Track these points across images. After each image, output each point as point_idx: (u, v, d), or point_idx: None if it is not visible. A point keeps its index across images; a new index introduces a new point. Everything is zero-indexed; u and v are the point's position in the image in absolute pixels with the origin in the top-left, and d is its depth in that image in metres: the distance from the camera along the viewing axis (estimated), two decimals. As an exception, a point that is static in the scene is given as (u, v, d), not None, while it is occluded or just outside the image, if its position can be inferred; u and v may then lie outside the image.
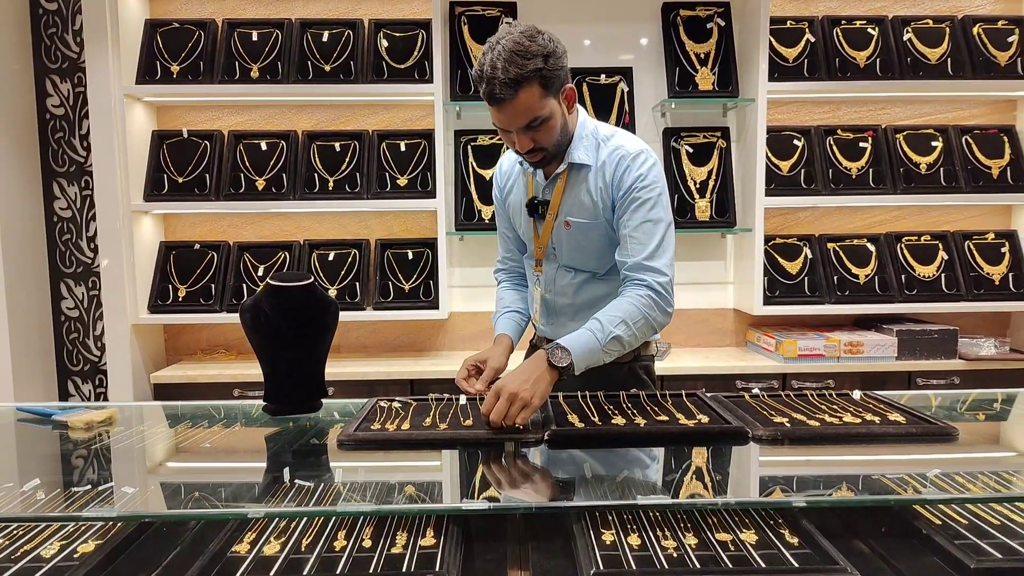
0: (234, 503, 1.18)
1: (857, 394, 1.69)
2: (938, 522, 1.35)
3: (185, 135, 3.09)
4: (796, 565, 1.19)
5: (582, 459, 1.41)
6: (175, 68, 3.00)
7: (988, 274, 3.03)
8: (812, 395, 1.71)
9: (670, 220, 1.71)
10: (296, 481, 1.23)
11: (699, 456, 1.40)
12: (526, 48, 1.52)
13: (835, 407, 1.60)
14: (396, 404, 1.68)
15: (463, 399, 1.71)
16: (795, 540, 1.29)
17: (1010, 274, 3.03)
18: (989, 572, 1.17)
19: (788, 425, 1.46)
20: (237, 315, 1.71)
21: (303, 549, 1.24)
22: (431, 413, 1.60)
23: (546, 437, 1.43)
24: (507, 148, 1.79)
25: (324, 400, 1.73)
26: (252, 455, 1.52)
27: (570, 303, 1.85)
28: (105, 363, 3.04)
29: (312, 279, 1.72)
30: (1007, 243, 3.09)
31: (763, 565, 1.19)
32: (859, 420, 1.49)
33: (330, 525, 1.31)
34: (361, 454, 1.42)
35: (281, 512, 1.12)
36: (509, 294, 2.02)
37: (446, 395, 1.73)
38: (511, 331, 1.90)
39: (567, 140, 1.71)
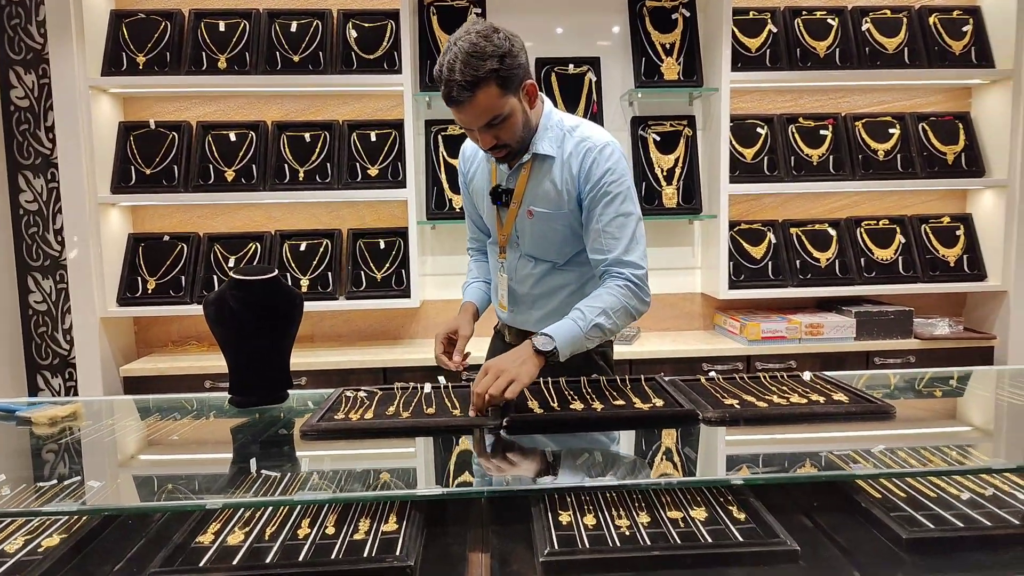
0: (199, 495, 1.21)
1: (807, 375, 1.76)
2: (878, 496, 1.42)
3: (152, 126, 3.07)
4: (741, 539, 1.25)
5: (540, 444, 1.46)
6: (141, 59, 2.98)
7: (944, 257, 3.12)
8: (765, 377, 1.77)
9: (639, 213, 1.76)
10: (262, 472, 1.25)
11: (652, 438, 1.46)
12: (481, 49, 1.55)
13: (784, 388, 1.66)
14: (362, 393, 1.72)
15: (427, 387, 1.74)
16: (742, 516, 1.35)
17: (965, 256, 3.13)
18: (920, 542, 1.24)
19: (737, 406, 1.52)
20: (205, 308, 1.72)
21: (267, 538, 1.27)
22: (395, 402, 1.64)
23: (505, 423, 1.47)
24: None
25: (293, 391, 1.75)
26: (219, 447, 1.55)
27: (529, 292, 1.89)
28: (74, 357, 3.04)
29: (276, 272, 1.73)
30: (962, 226, 3.18)
31: (710, 540, 1.25)
32: (805, 401, 1.55)
33: (294, 514, 1.34)
34: (326, 443, 1.46)
35: (239, 503, 1.15)
36: (479, 265, 2.08)
37: (411, 384, 1.76)
38: (477, 300, 1.96)
39: (530, 134, 1.73)
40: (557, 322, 1.64)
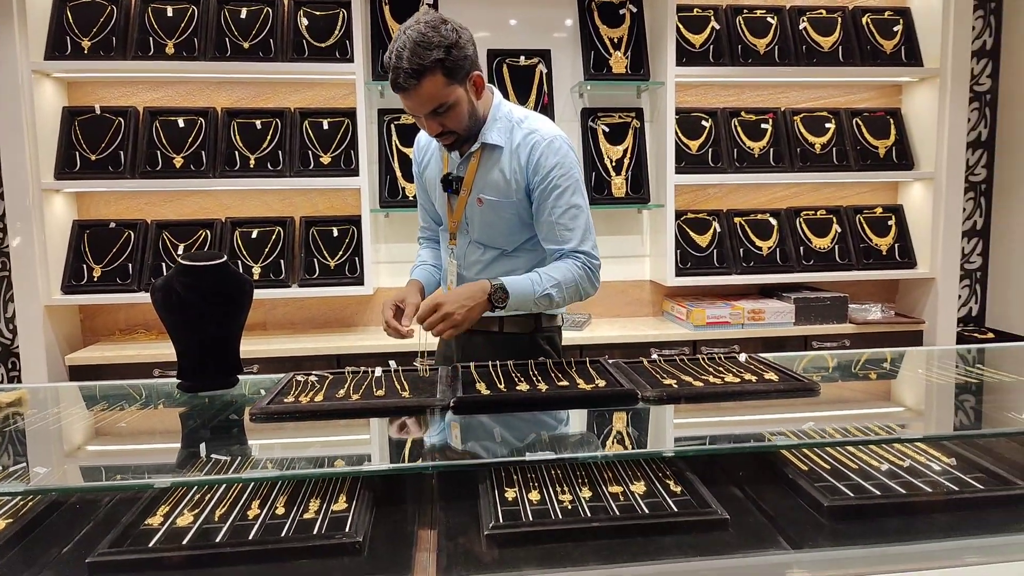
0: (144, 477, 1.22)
1: (743, 357, 1.85)
2: (804, 468, 1.51)
3: (98, 111, 3.00)
4: (675, 510, 1.32)
5: (486, 423, 1.51)
6: (86, 43, 2.91)
7: (877, 245, 3.28)
8: (704, 359, 1.85)
9: (586, 203, 1.83)
10: (212, 456, 1.26)
11: (593, 417, 1.52)
12: (428, 39, 1.59)
13: (721, 369, 1.75)
14: (312, 377, 1.74)
15: (378, 371, 1.77)
16: (678, 489, 1.42)
17: (896, 245, 3.29)
18: (840, 508, 1.33)
19: (675, 386, 1.60)
20: (154, 294, 1.72)
21: (216, 519, 1.28)
22: (346, 385, 1.67)
23: (452, 404, 1.52)
24: None
25: (244, 376, 1.76)
26: (168, 432, 1.56)
27: (477, 278, 1.93)
28: (17, 346, 2.97)
29: (224, 258, 1.73)
30: (893, 217, 3.34)
31: (646, 511, 1.32)
32: (738, 380, 1.63)
33: (245, 495, 1.36)
34: (276, 427, 1.48)
35: (188, 481, 1.17)
36: (427, 251, 2.12)
37: (362, 368, 1.79)
38: (423, 279, 2.01)
39: (478, 123, 1.78)
40: (515, 277, 1.73)
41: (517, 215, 1.84)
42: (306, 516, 1.31)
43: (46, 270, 2.88)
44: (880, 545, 1.20)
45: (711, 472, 1.46)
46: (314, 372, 1.77)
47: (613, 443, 1.38)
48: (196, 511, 1.34)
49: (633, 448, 1.37)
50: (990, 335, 3.41)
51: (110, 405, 1.64)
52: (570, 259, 1.78)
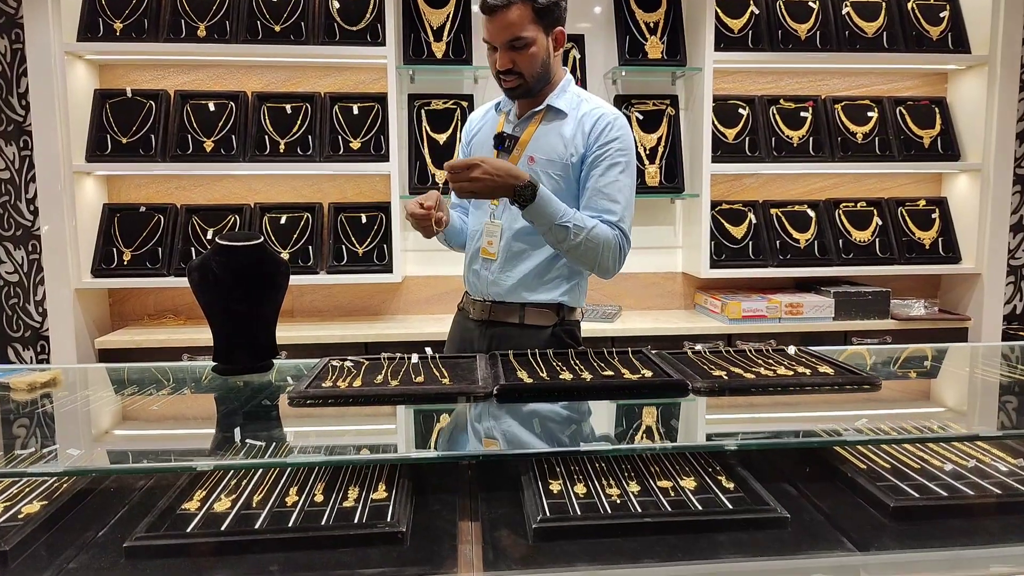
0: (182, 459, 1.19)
1: (792, 349, 1.78)
2: (863, 466, 1.44)
3: (129, 94, 2.99)
4: (730, 507, 1.27)
5: (530, 412, 1.46)
6: (118, 25, 2.90)
7: (919, 239, 3.18)
8: (750, 351, 1.79)
9: (632, 187, 1.80)
10: (247, 440, 1.23)
11: (642, 407, 1.47)
12: None
13: (771, 361, 1.68)
14: (348, 363, 1.70)
15: (415, 358, 1.73)
16: (731, 485, 1.36)
17: (940, 239, 3.19)
18: (906, 510, 1.26)
19: (726, 377, 1.54)
20: (186, 279, 1.69)
21: (254, 505, 1.25)
22: (383, 371, 1.63)
23: (495, 392, 1.47)
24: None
25: (277, 361, 1.73)
26: (203, 416, 1.53)
27: (514, 243, 1.86)
28: (47, 329, 2.97)
29: (262, 238, 1.70)
30: (937, 209, 3.25)
31: (700, 508, 1.26)
32: (791, 373, 1.57)
33: (282, 481, 1.32)
34: (314, 412, 1.44)
35: (231, 464, 1.14)
36: (458, 212, 2.07)
37: (398, 354, 1.75)
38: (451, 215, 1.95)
39: (546, 79, 1.79)
40: (551, 195, 1.69)
41: (565, 181, 1.81)
42: (345, 504, 1.28)
43: (76, 253, 2.87)
44: (950, 548, 1.13)
45: (763, 468, 1.40)
46: (349, 357, 1.73)
47: (667, 435, 1.32)
48: (233, 496, 1.31)
49: (690, 441, 1.31)
50: (1035, 333, 3.31)
51: (141, 388, 1.62)
52: (608, 226, 1.75)
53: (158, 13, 2.91)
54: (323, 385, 1.52)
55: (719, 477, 1.40)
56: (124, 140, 2.94)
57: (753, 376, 1.55)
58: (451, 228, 2.00)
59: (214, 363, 1.70)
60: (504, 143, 1.83)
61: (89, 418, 1.44)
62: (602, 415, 1.48)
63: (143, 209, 3.02)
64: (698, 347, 1.81)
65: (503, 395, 1.47)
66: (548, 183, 1.80)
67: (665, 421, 1.42)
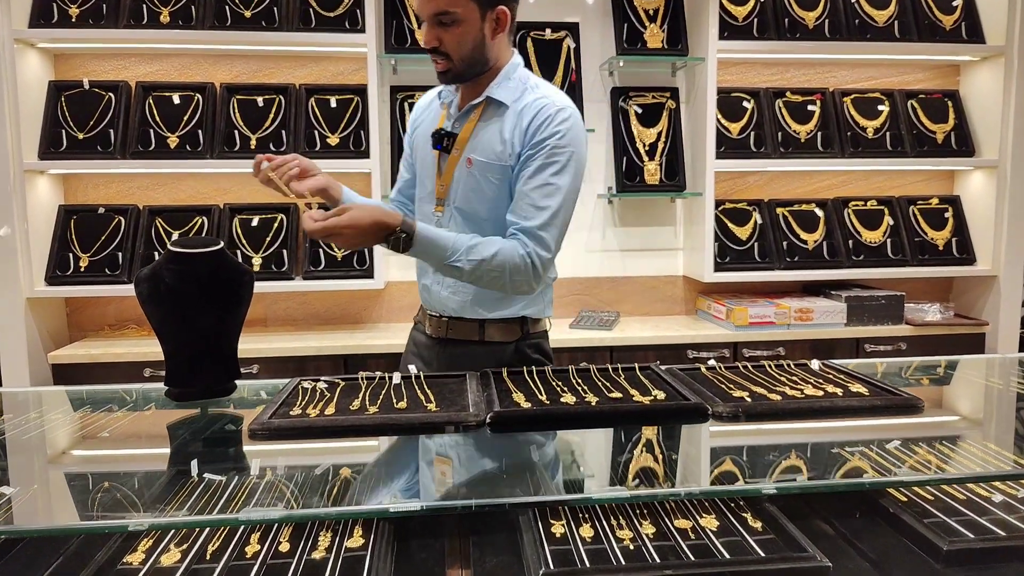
0: (121, 513, 0.99)
1: (815, 364, 1.61)
2: (903, 499, 1.28)
3: (86, 86, 2.77)
4: (762, 554, 1.10)
5: (528, 444, 1.28)
6: (74, 11, 2.68)
7: (932, 239, 3.03)
8: (770, 366, 1.61)
9: (571, 192, 1.58)
10: (205, 475, 1.07)
11: (657, 436, 1.28)
12: None
13: (795, 379, 1.51)
14: (321, 384, 1.51)
15: (396, 378, 1.55)
16: (758, 524, 1.20)
17: (953, 239, 3.05)
18: (962, 554, 1.11)
19: (749, 400, 1.36)
20: (137, 287, 1.49)
21: (208, 557, 1.09)
22: (360, 394, 1.44)
23: (488, 420, 1.28)
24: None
25: (242, 380, 1.55)
26: (154, 447, 1.33)
27: None
28: (-3, 341, 2.74)
29: (221, 244, 1.51)
30: (950, 208, 3.10)
31: (727, 555, 1.10)
32: (821, 392, 1.40)
33: (241, 528, 1.15)
34: (278, 447, 1.25)
35: (170, 523, 0.94)
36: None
37: (378, 373, 1.56)
38: (348, 192, 1.78)
39: (481, 65, 1.58)
40: (438, 230, 1.54)
41: (506, 182, 1.61)
42: (315, 555, 1.12)
43: (28, 259, 2.65)
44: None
45: (793, 503, 1.23)
46: (323, 378, 1.54)
47: (687, 473, 1.13)
48: (184, 547, 1.14)
49: (710, 479, 1.13)
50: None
51: (83, 418, 1.41)
52: (518, 242, 1.55)
53: (117, -2, 2.70)
54: (291, 413, 1.34)
55: (744, 515, 1.23)
56: (81, 136, 2.72)
57: (779, 397, 1.38)
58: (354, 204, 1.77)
59: (167, 387, 1.50)
60: (442, 142, 1.65)
61: (30, 450, 1.23)
62: (611, 446, 1.29)
63: (102, 210, 2.80)
64: (711, 362, 1.64)
65: (497, 424, 1.28)
66: (488, 188, 1.62)
67: (685, 454, 1.24)
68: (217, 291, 1.48)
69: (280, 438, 1.26)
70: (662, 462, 1.17)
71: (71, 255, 2.74)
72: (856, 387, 1.43)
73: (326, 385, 1.51)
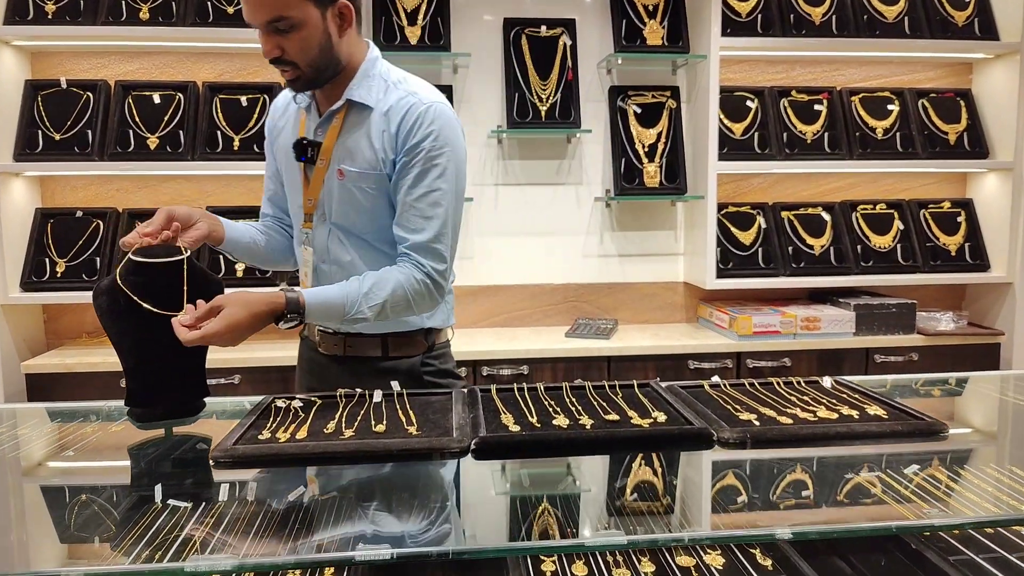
0: (66, 562, 0.88)
1: (827, 381, 1.50)
2: (925, 533, 1.17)
3: (64, 85, 2.67)
4: (774, 599, 0.99)
5: (516, 473, 1.16)
6: (50, 7, 2.59)
7: (944, 245, 2.91)
8: (779, 384, 1.50)
9: (457, 193, 1.50)
10: (167, 502, 0.99)
11: (657, 466, 1.17)
12: None
13: (806, 398, 1.39)
14: (296, 403, 1.40)
15: (378, 396, 1.44)
16: (768, 563, 1.08)
17: (966, 244, 2.93)
18: (995, 600, 0.99)
19: (757, 423, 1.25)
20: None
21: None
22: (337, 415, 1.33)
23: (472, 446, 1.17)
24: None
25: (213, 397, 1.44)
26: (106, 477, 1.22)
27: (340, 276, 1.56)
28: (-30, 351, 2.63)
29: (188, 253, 1.40)
30: (963, 212, 2.98)
31: (734, 600, 0.98)
32: (836, 415, 1.28)
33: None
34: (244, 472, 1.13)
35: (108, 572, 0.82)
36: (260, 224, 1.72)
37: (358, 390, 1.45)
38: (233, 227, 1.59)
39: (334, 66, 1.44)
40: (326, 290, 1.43)
41: (386, 194, 1.50)
42: None
43: (2, 264, 2.54)
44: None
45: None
46: (298, 396, 1.43)
47: (691, 510, 1.02)
48: None
49: (718, 515, 1.01)
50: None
51: (32, 440, 1.30)
52: (410, 266, 1.47)
53: (96, -7, 2.60)
54: (259, 437, 1.23)
55: (752, 551, 1.12)
56: (57, 136, 2.62)
57: (790, 421, 1.26)
58: (239, 244, 1.61)
59: (127, 407, 1.39)
60: (306, 152, 1.51)
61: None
62: (607, 475, 1.18)
63: (79, 214, 2.70)
64: (715, 379, 1.52)
65: (483, 451, 1.17)
66: (365, 200, 1.50)
67: (688, 486, 1.12)
68: (179, 302, 1.38)
69: (244, 466, 1.15)
70: (662, 495, 1.06)
71: (47, 260, 2.63)
72: (873, 408, 1.32)
73: (301, 404, 1.40)
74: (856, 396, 1.41)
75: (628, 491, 1.08)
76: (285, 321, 1.39)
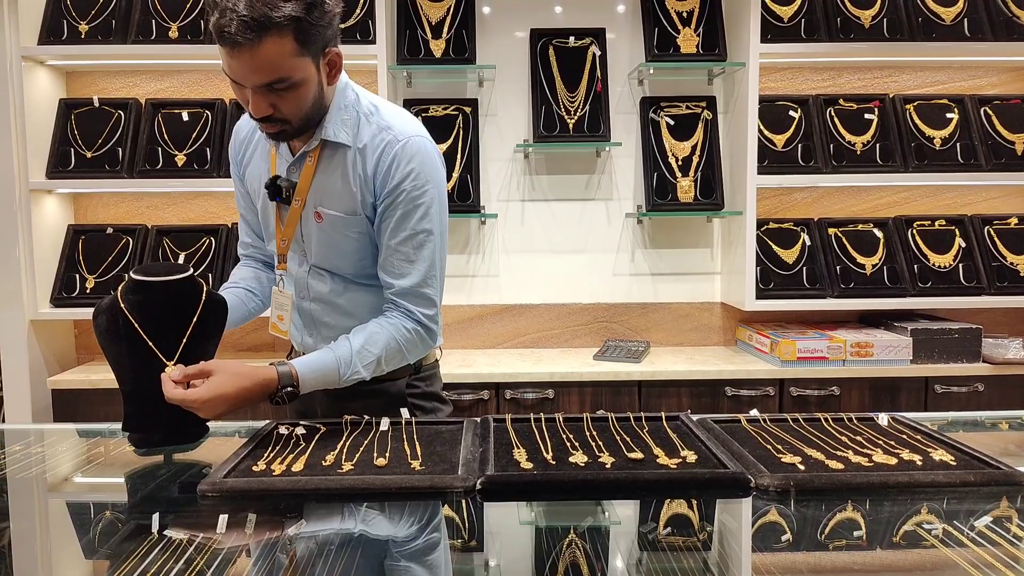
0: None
1: (883, 418, 1.34)
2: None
3: (96, 104, 2.69)
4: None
5: (528, 518, 1.05)
6: (84, 27, 2.61)
7: (1012, 264, 2.69)
8: (827, 420, 1.35)
9: (442, 229, 1.45)
10: (166, 533, 0.94)
11: (686, 515, 1.04)
12: None
13: (860, 439, 1.24)
14: (300, 430, 1.32)
15: (385, 424, 1.35)
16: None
17: (1035, 264, 2.71)
18: None
19: (802, 468, 1.11)
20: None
21: None
22: (339, 445, 1.24)
23: (479, 486, 1.06)
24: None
25: (217, 422, 1.37)
26: (87, 513, 1.15)
27: (332, 314, 1.50)
28: (-1, 365, 2.65)
29: (190, 271, 1.35)
30: (1032, 229, 2.76)
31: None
32: (895, 460, 1.13)
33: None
34: (237, 507, 1.04)
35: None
36: (246, 269, 1.65)
37: (364, 417, 1.37)
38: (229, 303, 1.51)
39: (320, 114, 1.36)
40: (316, 356, 1.37)
41: (367, 234, 1.43)
42: None
43: (32, 280, 2.56)
44: None
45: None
46: (302, 423, 1.35)
47: (724, 573, 0.89)
48: None
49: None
50: None
51: (25, 467, 1.24)
52: (399, 315, 1.42)
53: (128, 13, 2.62)
54: (253, 469, 1.15)
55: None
56: (89, 154, 2.64)
57: (841, 465, 1.12)
58: (238, 321, 1.56)
59: (125, 432, 1.33)
60: (281, 193, 1.43)
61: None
62: (629, 523, 1.05)
63: (110, 230, 2.70)
64: (754, 412, 1.38)
65: (490, 491, 1.06)
66: (346, 244, 1.43)
67: (721, 543, 0.99)
68: (183, 325, 1.32)
69: (232, 501, 1.07)
70: (689, 553, 0.93)
71: (78, 276, 2.64)
72: (939, 453, 1.16)
73: (305, 430, 1.32)
74: (918, 437, 1.25)
75: (648, 545, 0.95)
76: (280, 397, 1.33)
